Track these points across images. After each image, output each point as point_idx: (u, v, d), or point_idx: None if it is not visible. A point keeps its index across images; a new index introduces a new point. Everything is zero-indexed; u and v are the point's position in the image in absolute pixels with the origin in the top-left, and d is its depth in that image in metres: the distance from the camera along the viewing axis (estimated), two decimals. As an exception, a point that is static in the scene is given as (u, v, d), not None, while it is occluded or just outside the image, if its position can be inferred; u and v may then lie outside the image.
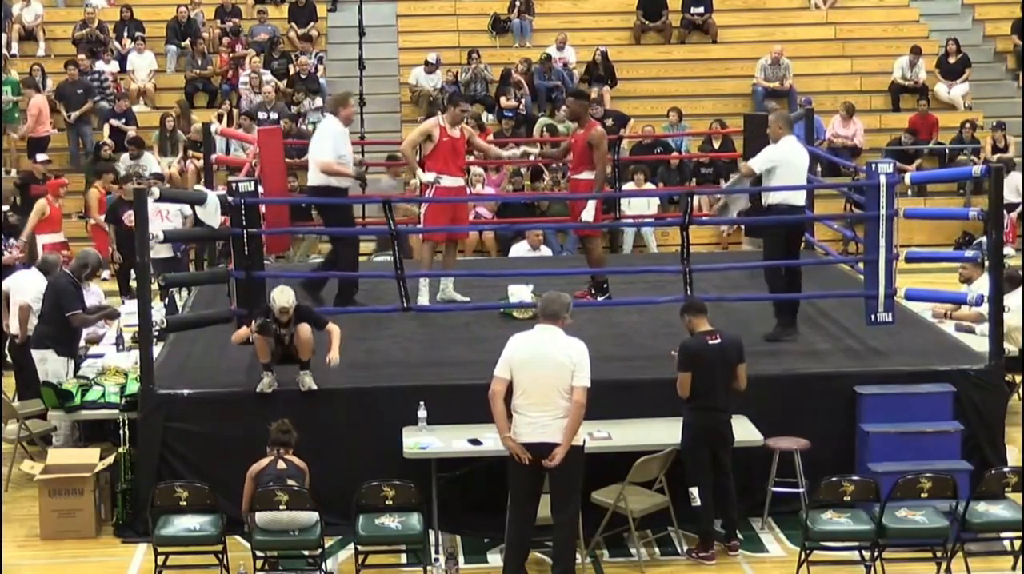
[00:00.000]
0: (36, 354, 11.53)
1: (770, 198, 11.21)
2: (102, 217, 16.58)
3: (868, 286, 10.95)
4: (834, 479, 9.10)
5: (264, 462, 9.28)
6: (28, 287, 12.29)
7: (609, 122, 19.12)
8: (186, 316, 12.02)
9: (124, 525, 10.20)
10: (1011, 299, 11.61)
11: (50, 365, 11.39)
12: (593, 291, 12.14)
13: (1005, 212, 15.75)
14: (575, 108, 12.35)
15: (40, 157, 19.13)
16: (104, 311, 12.21)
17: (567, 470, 8.74)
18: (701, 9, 23.67)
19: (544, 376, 8.68)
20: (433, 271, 12.40)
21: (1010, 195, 17.98)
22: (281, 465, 9.24)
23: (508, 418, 8.77)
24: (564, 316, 8.84)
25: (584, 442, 8.85)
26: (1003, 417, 10.93)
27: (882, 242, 10.68)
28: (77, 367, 11.46)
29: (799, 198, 11.32)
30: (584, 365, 8.69)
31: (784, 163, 11.02)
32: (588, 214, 11.79)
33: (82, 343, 12.10)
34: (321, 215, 14.78)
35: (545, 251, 17.44)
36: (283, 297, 10.00)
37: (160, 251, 14.35)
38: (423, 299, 11.97)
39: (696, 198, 17.26)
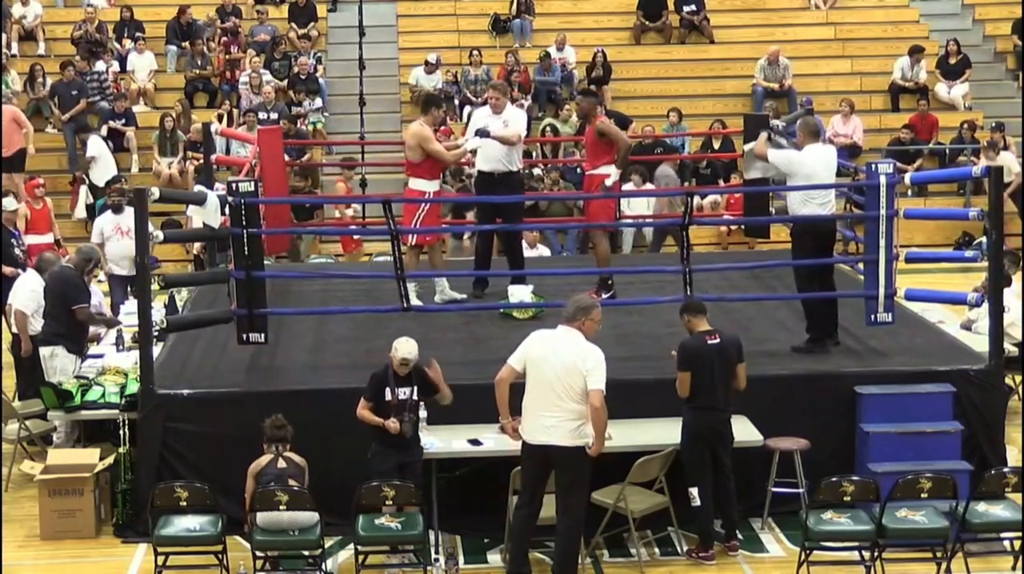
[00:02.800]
0: (44, 350, 11.49)
1: (791, 208, 10.95)
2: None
3: (868, 286, 10.95)
4: (834, 479, 9.10)
5: (264, 461, 9.27)
6: (20, 290, 12.23)
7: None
8: (186, 316, 12.01)
9: (124, 525, 10.19)
10: (1010, 298, 11.61)
11: (59, 361, 11.38)
12: (597, 290, 12.12)
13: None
14: (585, 106, 12.37)
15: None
16: (105, 318, 12.23)
17: (573, 472, 8.75)
18: (692, 7, 23.62)
19: (550, 376, 8.66)
20: (433, 271, 12.40)
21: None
22: (281, 463, 9.23)
23: (512, 408, 8.81)
24: (581, 318, 8.79)
25: (588, 445, 8.79)
26: (1003, 417, 10.93)
27: (882, 242, 10.67)
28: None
29: (825, 208, 10.91)
30: (597, 371, 8.63)
31: (801, 175, 10.76)
32: (612, 179, 11.66)
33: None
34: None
35: (543, 250, 17.45)
36: (406, 346, 9.49)
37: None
38: (414, 301, 11.94)
39: (696, 198, 17.22)
